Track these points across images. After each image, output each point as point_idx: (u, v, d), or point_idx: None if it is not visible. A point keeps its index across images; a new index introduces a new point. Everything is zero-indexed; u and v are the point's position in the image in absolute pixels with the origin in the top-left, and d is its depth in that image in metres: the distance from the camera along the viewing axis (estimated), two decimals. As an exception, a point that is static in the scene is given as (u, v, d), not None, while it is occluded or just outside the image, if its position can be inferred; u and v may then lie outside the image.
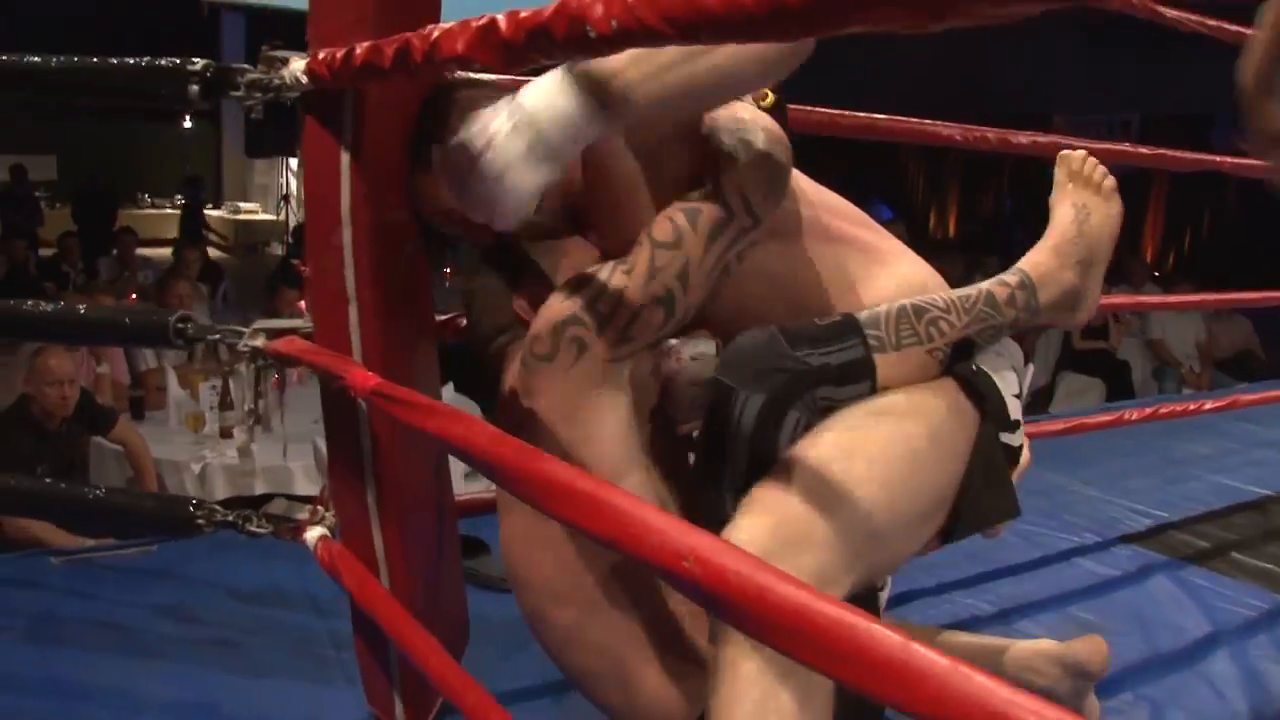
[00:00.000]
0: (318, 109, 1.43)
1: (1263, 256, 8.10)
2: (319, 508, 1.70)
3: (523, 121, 1.10)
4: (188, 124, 16.79)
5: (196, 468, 4.16)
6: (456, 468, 2.12)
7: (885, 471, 1.18)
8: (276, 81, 1.40)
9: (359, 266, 1.46)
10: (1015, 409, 1.36)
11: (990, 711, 0.55)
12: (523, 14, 0.87)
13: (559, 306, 1.30)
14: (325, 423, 1.62)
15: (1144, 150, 2.78)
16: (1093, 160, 1.52)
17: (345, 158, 1.41)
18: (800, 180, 1.40)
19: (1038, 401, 6.58)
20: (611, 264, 1.31)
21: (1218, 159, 2.98)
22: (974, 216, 13.95)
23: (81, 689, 1.77)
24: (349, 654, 1.77)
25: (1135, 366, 7.12)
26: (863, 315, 1.28)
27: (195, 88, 1.49)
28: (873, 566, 1.18)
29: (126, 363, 4.97)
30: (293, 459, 4.08)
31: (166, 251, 10.29)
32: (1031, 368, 6.59)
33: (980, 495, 1.29)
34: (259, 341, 1.56)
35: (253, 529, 1.69)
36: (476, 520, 1.94)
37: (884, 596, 1.51)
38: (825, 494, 1.13)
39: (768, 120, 1.31)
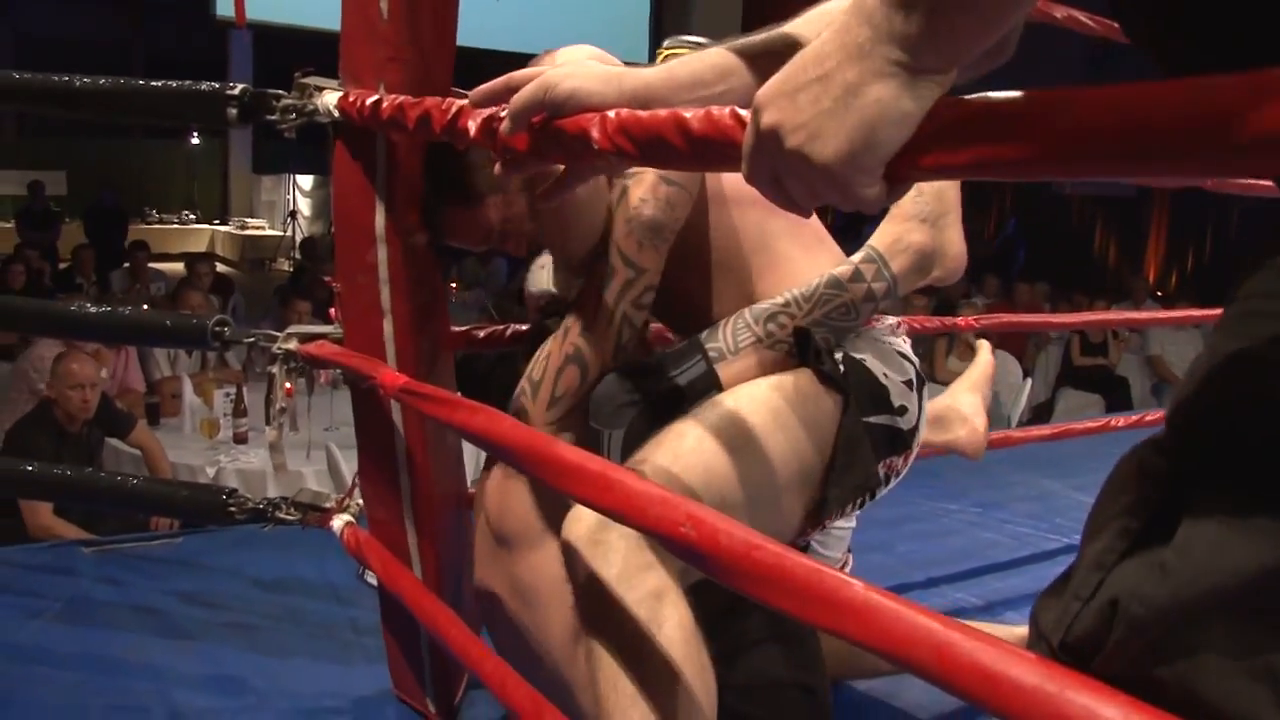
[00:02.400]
0: (350, 137, 1.57)
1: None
2: (345, 498, 1.83)
3: None
4: (195, 141, 16.97)
5: (211, 471, 4.28)
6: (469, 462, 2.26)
7: (706, 460, 1.25)
8: (310, 108, 1.54)
9: (394, 283, 1.59)
10: (900, 394, 1.40)
11: (935, 642, 0.65)
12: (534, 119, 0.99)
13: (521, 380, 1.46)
14: (356, 424, 1.74)
15: None
16: None
17: (380, 184, 1.55)
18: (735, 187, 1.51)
19: (1037, 417, 6.67)
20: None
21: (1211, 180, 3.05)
22: (976, 237, 14.07)
23: (116, 665, 1.90)
24: (370, 638, 1.90)
25: (1134, 383, 7.20)
26: (704, 333, 1.40)
27: (234, 111, 1.63)
28: None
29: (141, 370, 5.10)
30: (306, 464, 4.20)
31: (177, 265, 10.45)
32: (1030, 382, 6.71)
33: (842, 473, 1.35)
34: (292, 345, 1.70)
35: (282, 516, 1.82)
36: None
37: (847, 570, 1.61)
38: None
39: (651, 176, 1.39)
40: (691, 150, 0.81)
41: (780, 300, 1.39)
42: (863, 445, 1.35)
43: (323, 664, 1.93)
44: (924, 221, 1.49)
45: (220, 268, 11.08)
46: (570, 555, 1.19)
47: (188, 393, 4.82)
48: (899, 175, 0.64)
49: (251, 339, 1.76)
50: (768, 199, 0.70)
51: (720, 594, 1.05)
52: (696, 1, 11.28)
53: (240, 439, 4.50)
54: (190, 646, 1.98)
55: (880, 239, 1.47)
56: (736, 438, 1.28)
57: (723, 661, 1.23)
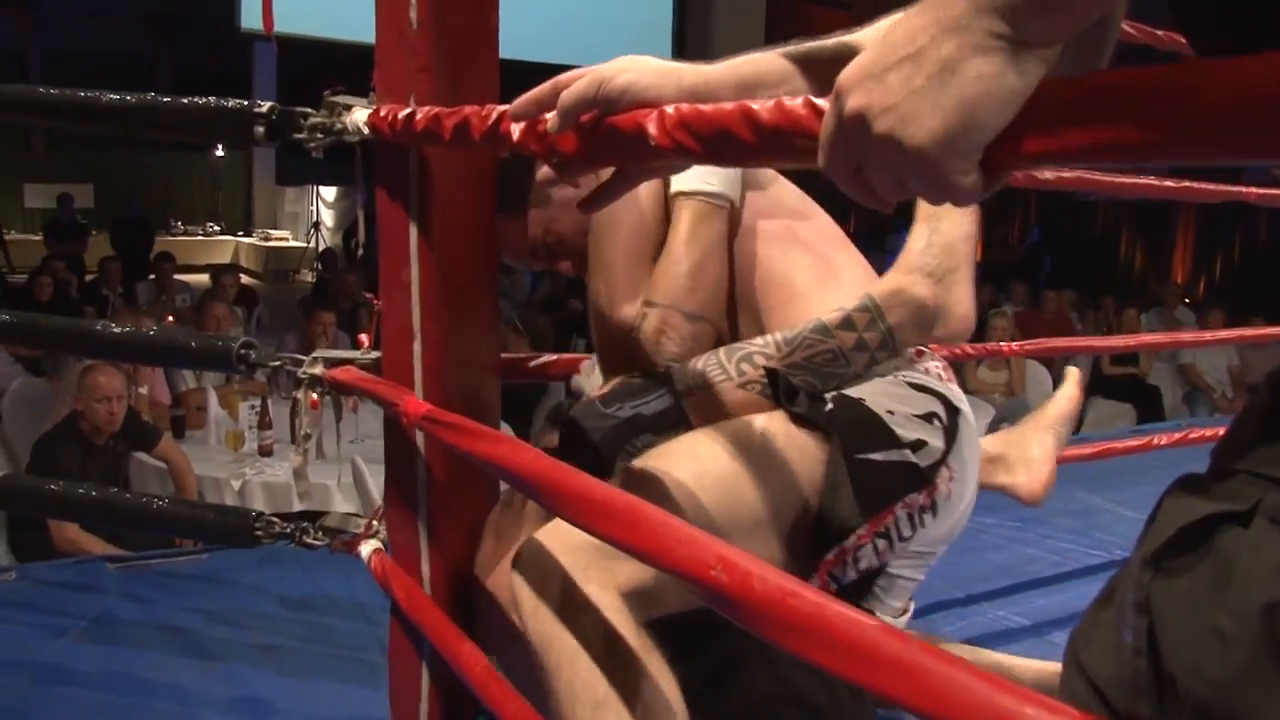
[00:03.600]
0: (384, 153, 1.54)
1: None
2: (373, 522, 1.80)
3: None
4: (220, 153, 17.08)
5: (236, 484, 4.27)
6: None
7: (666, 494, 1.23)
8: (339, 126, 1.50)
9: (425, 303, 1.56)
10: (913, 428, 1.34)
11: (994, 709, 0.58)
12: (584, 117, 0.93)
13: None
14: (386, 446, 1.71)
15: (1170, 184, 2.81)
16: None
17: (413, 200, 1.52)
18: (784, 192, 1.50)
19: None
20: None
21: (1244, 190, 2.98)
22: (1001, 244, 14.00)
23: (141, 685, 1.87)
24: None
25: (1166, 392, 7.11)
26: (676, 366, 1.37)
27: (261, 129, 1.60)
28: None
29: (167, 383, 5.10)
30: (332, 477, 4.19)
31: (201, 277, 10.49)
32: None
33: (830, 509, 1.31)
34: (318, 369, 1.67)
35: (310, 541, 1.79)
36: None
37: (905, 620, 1.56)
38: None
39: (677, 316, 1.40)
40: (760, 144, 0.76)
41: (760, 341, 1.36)
42: (843, 488, 1.30)
43: (351, 686, 1.90)
44: (929, 275, 1.42)
45: (244, 279, 11.14)
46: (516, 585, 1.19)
47: (213, 405, 4.81)
48: (999, 162, 0.57)
49: (278, 363, 1.73)
50: (847, 191, 0.64)
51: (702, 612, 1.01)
52: (718, 18, 11.29)
53: (265, 451, 4.49)
54: (215, 667, 1.96)
55: (881, 288, 1.41)
56: (698, 476, 1.25)
57: (711, 684, 1.19)
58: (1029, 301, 8.84)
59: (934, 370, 1.44)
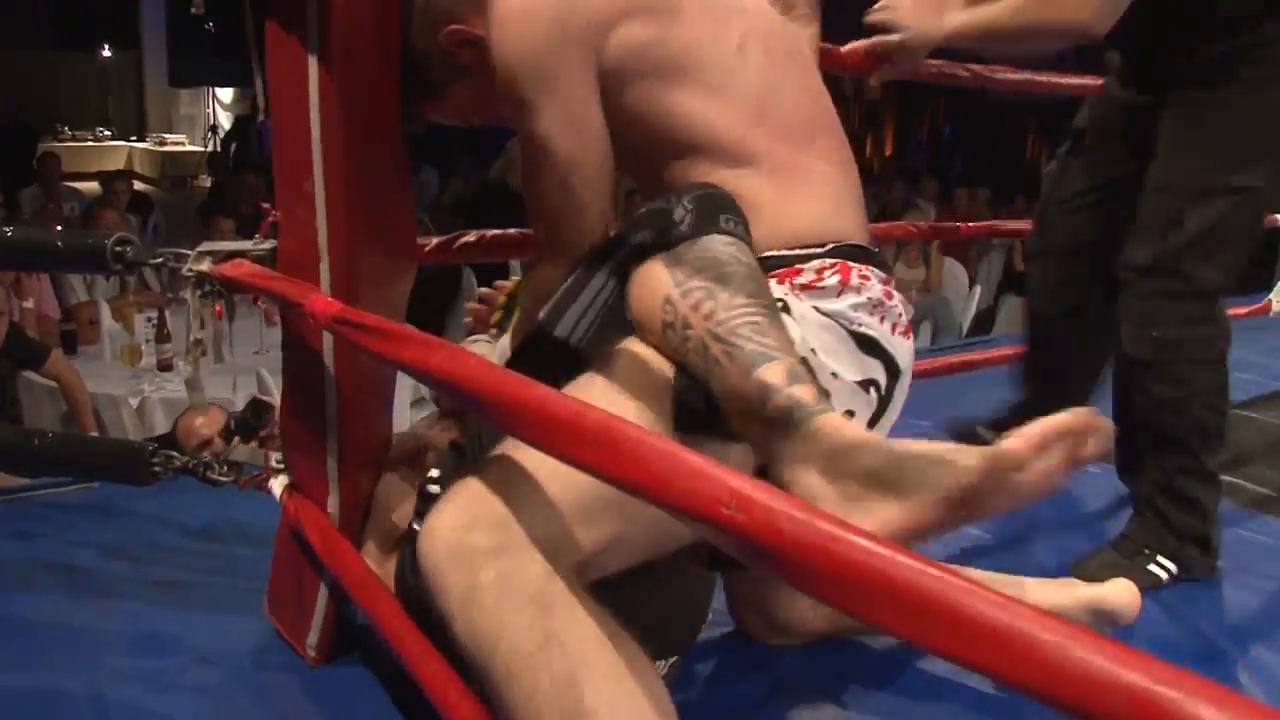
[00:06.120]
0: (278, 16, 1.33)
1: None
2: (273, 458, 1.64)
3: None
4: (107, 53, 16.21)
5: (135, 402, 4.05)
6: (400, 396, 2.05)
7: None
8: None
9: (332, 211, 1.37)
10: (843, 397, 1.21)
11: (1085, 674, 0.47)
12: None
13: None
14: (284, 358, 1.54)
15: (1073, 81, 2.65)
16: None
17: (314, 79, 1.32)
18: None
19: (983, 324, 6.64)
20: None
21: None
22: (910, 142, 13.98)
23: (32, 630, 1.69)
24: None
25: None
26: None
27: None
28: (613, 536, 1.11)
29: (55, 296, 4.80)
30: (234, 393, 3.98)
31: (93, 184, 9.95)
32: (978, 290, 6.66)
33: None
34: (204, 265, 1.47)
35: (214, 477, 1.62)
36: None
37: None
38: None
39: None
40: None
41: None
42: None
43: (260, 619, 1.74)
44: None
45: (139, 186, 10.63)
46: (434, 574, 1.04)
47: (106, 318, 4.55)
48: None
49: (159, 259, 1.53)
50: None
51: None
52: None
53: (165, 366, 4.26)
54: (114, 606, 1.78)
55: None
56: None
57: None
58: (940, 198, 8.84)
59: (889, 313, 1.27)
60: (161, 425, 4.05)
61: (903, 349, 1.27)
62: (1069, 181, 2.18)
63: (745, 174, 1.26)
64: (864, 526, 0.63)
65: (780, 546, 0.64)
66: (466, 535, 1.02)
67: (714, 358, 1.05)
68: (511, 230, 1.95)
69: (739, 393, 1.03)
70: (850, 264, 1.24)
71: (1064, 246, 2.19)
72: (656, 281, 1.11)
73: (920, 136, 14.36)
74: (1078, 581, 1.57)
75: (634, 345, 1.16)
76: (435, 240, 1.89)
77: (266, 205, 1.51)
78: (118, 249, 1.50)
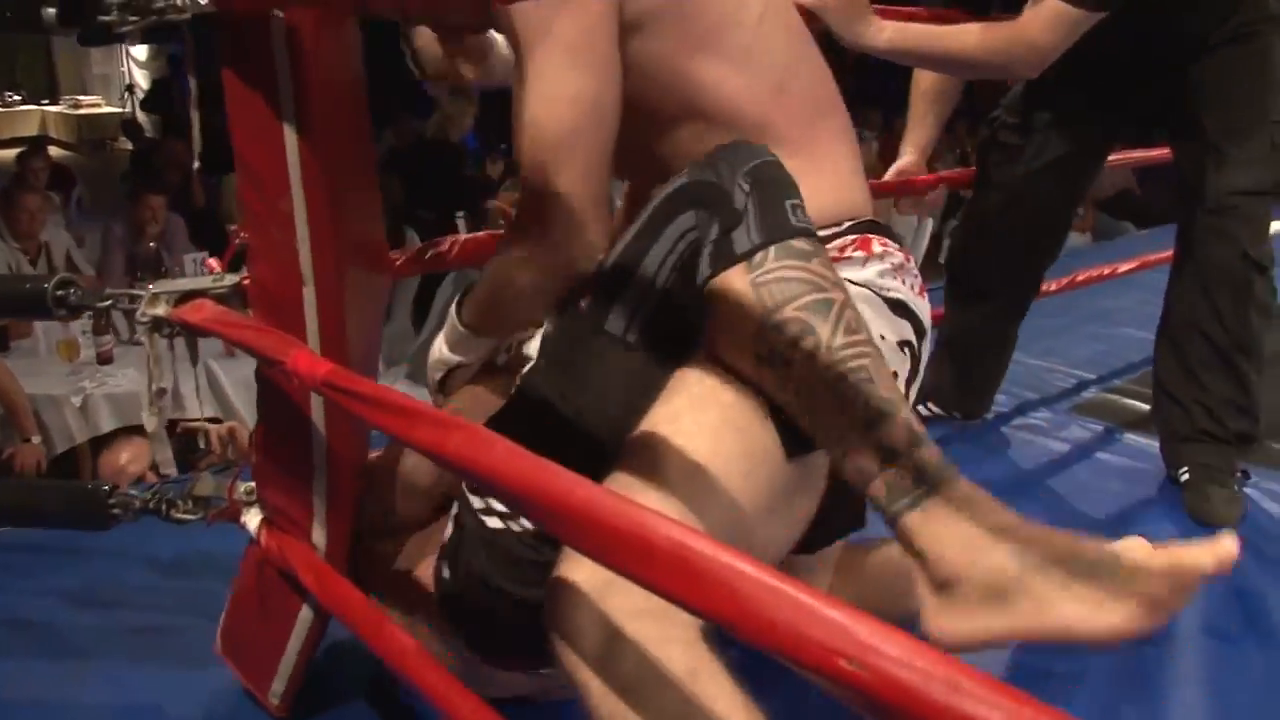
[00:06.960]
0: (236, 37, 1.18)
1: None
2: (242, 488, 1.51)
3: None
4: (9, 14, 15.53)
5: (77, 400, 3.88)
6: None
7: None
8: (160, 3, 1.14)
9: (317, 239, 1.24)
10: (892, 360, 1.19)
11: None
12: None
13: None
14: (260, 407, 1.40)
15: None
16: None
17: (285, 98, 1.17)
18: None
19: (931, 253, 6.64)
20: None
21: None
22: (848, 70, 13.81)
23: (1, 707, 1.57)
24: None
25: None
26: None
27: (51, 11, 1.23)
28: None
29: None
30: (186, 382, 3.81)
31: (7, 152, 9.54)
32: (930, 222, 6.63)
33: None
34: (160, 309, 1.33)
35: (180, 516, 1.50)
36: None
37: None
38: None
39: None
40: None
41: None
42: None
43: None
44: None
45: (57, 153, 10.22)
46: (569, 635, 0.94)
47: (38, 312, 4.32)
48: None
49: (107, 302, 1.38)
50: None
51: None
52: None
53: (105, 359, 4.08)
54: (88, 669, 1.65)
55: None
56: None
57: None
58: (883, 129, 8.74)
59: (910, 277, 1.27)
60: (107, 424, 3.88)
61: (924, 309, 1.26)
62: (1051, 149, 2.39)
63: None
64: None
65: (911, 709, 0.54)
66: (607, 594, 0.92)
67: (822, 403, 0.98)
68: (481, 233, 1.82)
69: (852, 443, 0.97)
70: (870, 235, 1.25)
71: (1033, 213, 2.45)
72: (743, 306, 1.01)
73: (848, 63, 14.21)
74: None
75: (713, 361, 1.07)
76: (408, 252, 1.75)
77: (233, 228, 1.38)
78: (59, 293, 1.36)
